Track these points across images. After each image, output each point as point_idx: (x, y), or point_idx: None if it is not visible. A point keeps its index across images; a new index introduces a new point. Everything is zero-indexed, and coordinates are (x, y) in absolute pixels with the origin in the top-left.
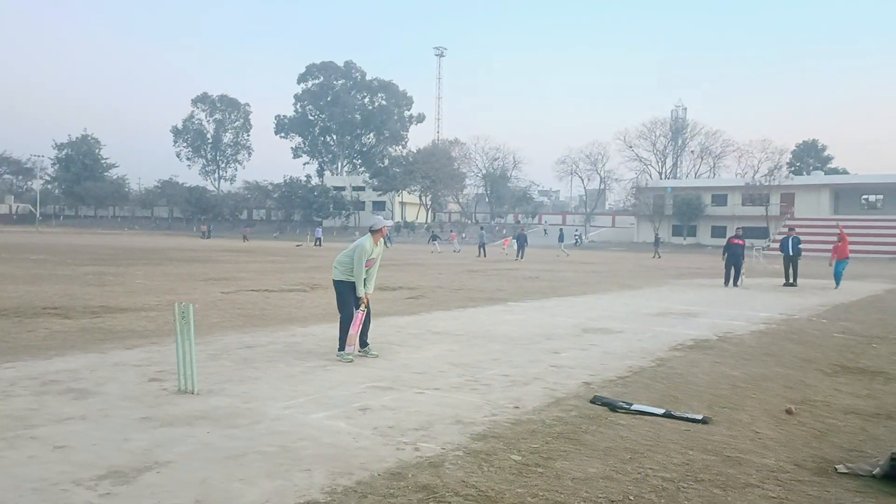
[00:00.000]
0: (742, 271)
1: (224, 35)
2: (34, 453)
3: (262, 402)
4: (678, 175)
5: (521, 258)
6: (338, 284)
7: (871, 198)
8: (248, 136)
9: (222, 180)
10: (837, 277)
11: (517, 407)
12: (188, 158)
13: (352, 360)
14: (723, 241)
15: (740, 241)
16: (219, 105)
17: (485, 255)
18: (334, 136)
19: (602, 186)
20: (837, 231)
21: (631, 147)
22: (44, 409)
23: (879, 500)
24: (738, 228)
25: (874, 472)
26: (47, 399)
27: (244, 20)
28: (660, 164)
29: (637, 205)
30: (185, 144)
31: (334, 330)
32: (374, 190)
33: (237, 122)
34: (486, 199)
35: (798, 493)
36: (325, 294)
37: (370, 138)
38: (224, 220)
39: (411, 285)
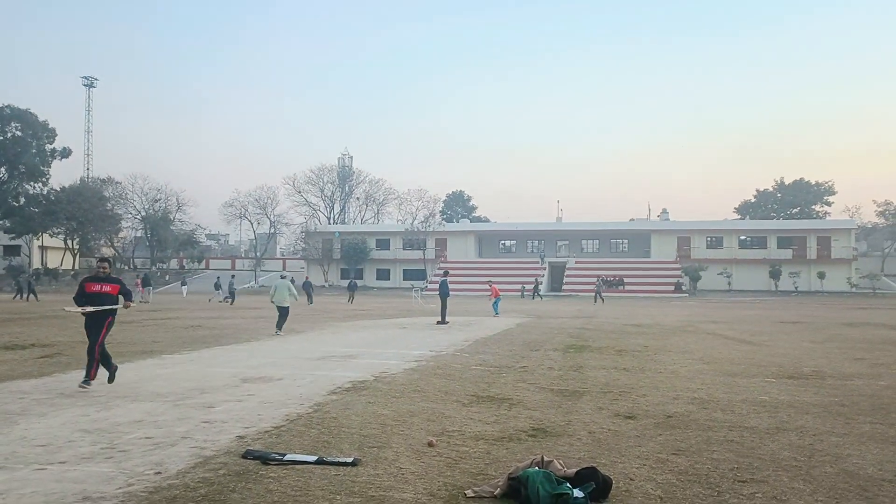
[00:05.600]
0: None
1: None
2: None
3: None
4: (346, 220)
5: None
6: None
7: (507, 242)
8: None
9: None
10: (495, 308)
11: (159, 472)
12: None
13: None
14: (387, 283)
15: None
16: None
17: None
18: None
19: (272, 230)
20: (482, 272)
21: (300, 192)
22: None
23: None
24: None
25: (495, 493)
26: None
27: None
28: (328, 209)
29: (307, 248)
30: None
31: None
32: (5, 232)
33: None
34: (147, 243)
35: None
36: None
37: (2, 173)
38: None
39: (47, 342)
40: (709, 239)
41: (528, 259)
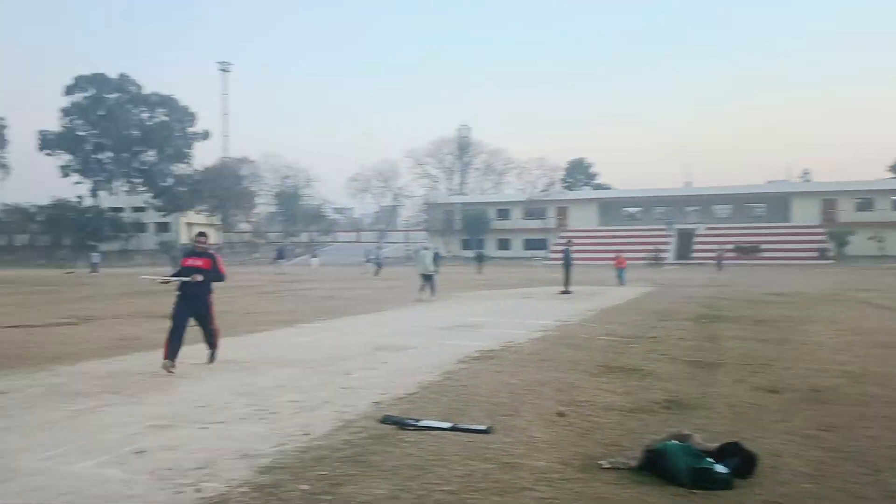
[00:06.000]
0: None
1: None
2: None
3: (14, 456)
4: (465, 191)
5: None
6: None
7: (631, 209)
8: (5, 153)
9: None
10: (622, 277)
11: (307, 433)
12: None
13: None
14: (509, 253)
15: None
16: None
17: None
18: (109, 154)
19: (394, 203)
20: (606, 240)
21: (420, 164)
22: None
23: (635, 490)
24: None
25: (631, 465)
26: None
27: None
28: (448, 180)
29: (428, 220)
30: None
31: (108, 366)
32: (156, 210)
33: None
34: (279, 218)
35: (566, 491)
36: (99, 326)
37: (151, 156)
38: None
39: None
40: (858, 201)
41: (654, 226)
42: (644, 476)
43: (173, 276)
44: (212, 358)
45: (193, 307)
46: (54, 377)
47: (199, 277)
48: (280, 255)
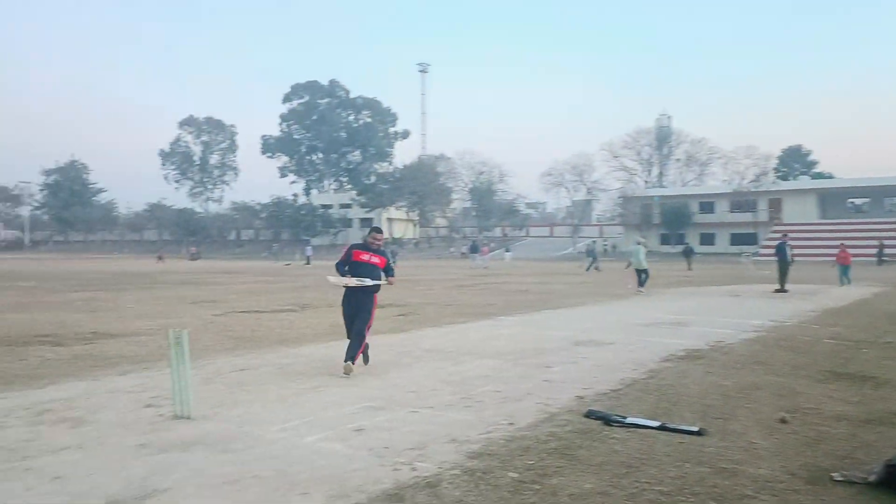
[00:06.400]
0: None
1: (209, 57)
2: (31, 485)
3: (256, 426)
4: (664, 183)
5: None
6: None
7: (857, 201)
8: (235, 156)
9: (210, 201)
10: (845, 276)
11: (511, 423)
12: (176, 181)
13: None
14: (712, 248)
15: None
16: (205, 127)
17: (596, 270)
18: (320, 155)
19: (589, 197)
20: (826, 235)
21: (616, 157)
22: (39, 439)
23: None
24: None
25: (869, 479)
26: (42, 429)
27: (228, 42)
28: (646, 173)
29: (624, 214)
30: (172, 167)
31: (324, 350)
32: (361, 207)
33: (223, 144)
34: (474, 213)
35: (793, 502)
36: (315, 314)
37: (356, 156)
38: (212, 241)
39: (400, 302)
40: None
41: (885, 219)
42: (885, 493)
43: (342, 264)
44: (347, 370)
45: (357, 305)
46: (282, 358)
47: (369, 282)
48: (473, 249)
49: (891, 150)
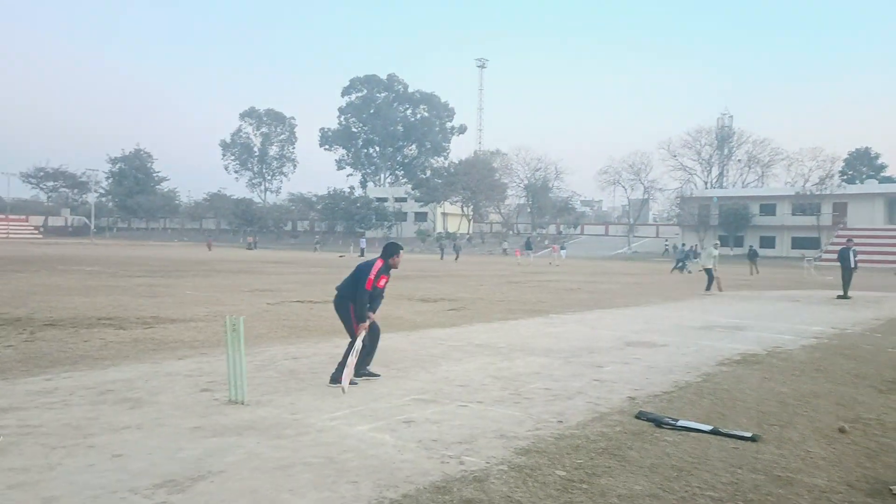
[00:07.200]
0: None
1: (270, 50)
2: (93, 462)
3: (307, 414)
4: (724, 184)
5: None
6: None
7: None
8: (293, 148)
9: (268, 192)
10: None
11: (560, 421)
12: (236, 171)
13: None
14: (772, 252)
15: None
16: (265, 119)
17: (688, 272)
18: (377, 148)
19: (645, 196)
20: (893, 241)
21: (675, 156)
22: (100, 418)
23: None
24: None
25: None
26: (103, 408)
27: (290, 35)
28: (705, 173)
29: (681, 215)
30: (232, 157)
31: None
32: (415, 201)
33: (283, 136)
34: (528, 210)
35: None
36: None
37: (412, 150)
38: (269, 231)
39: (452, 297)
40: None
41: None
42: None
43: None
44: (334, 380)
45: (342, 319)
46: (334, 348)
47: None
48: (528, 247)
49: None
